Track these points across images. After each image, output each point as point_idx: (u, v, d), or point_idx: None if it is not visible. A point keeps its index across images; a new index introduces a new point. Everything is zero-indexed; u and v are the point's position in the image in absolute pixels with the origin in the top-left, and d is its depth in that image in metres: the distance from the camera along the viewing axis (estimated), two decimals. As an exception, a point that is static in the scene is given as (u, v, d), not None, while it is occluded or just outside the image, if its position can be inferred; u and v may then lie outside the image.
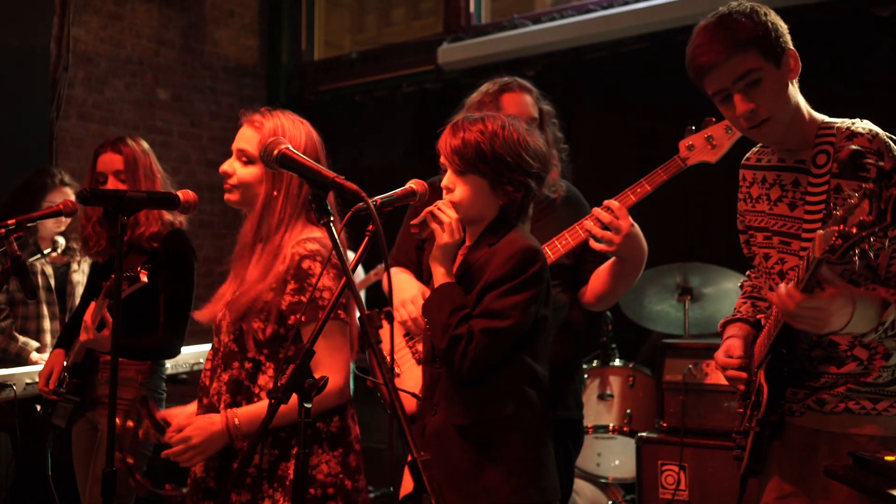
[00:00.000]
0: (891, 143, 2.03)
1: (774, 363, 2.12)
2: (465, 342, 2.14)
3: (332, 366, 2.25)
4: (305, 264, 2.31)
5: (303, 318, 2.28)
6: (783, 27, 2.08)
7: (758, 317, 2.35)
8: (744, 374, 2.21)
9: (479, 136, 2.22)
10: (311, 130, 2.46)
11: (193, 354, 3.83)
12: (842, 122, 2.10)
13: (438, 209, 2.25)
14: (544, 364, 2.29)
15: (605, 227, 2.50)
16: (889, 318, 1.90)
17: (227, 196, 2.47)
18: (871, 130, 2.05)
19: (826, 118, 2.15)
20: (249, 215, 2.42)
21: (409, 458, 1.57)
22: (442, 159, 2.30)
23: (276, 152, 1.85)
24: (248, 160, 2.41)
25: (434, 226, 2.25)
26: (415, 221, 2.30)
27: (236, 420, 2.25)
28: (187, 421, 2.31)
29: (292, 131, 2.41)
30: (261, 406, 2.28)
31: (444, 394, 2.25)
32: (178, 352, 3.24)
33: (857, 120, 2.10)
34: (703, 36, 2.08)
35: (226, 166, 2.45)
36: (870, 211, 1.55)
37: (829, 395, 2.11)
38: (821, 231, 1.71)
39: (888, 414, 2.07)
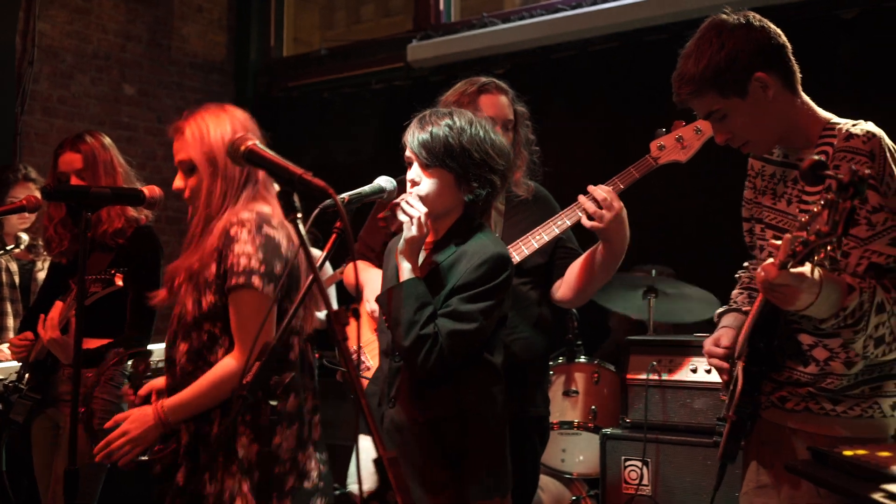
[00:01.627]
0: (889, 146, 2.07)
1: (752, 356, 2.15)
2: (430, 342, 2.15)
3: (242, 339, 2.27)
4: (233, 231, 2.34)
5: (226, 286, 2.31)
6: (753, 45, 2.08)
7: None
8: (725, 364, 2.25)
9: (447, 130, 2.23)
10: (237, 115, 2.47)
11: (160, 352, 3.80)
12: (844, 124, 2.13)
13: (407, 202, 2.26)
14: (500, 356, 2.32)
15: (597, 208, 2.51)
16: (851, 305, 1.93)
17: (190, 207, 2.47)
18: (868, 132, 2.07)
19: (833, 118, 2.17)
20: (196, 209, 2.43)
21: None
22: (408, 152, 2.30)
23: (243, 148, 1.85)
24: (189, 169, 2.42)
25: (403, 219, 2.25)
26: (382, 214, 2.31)
27: (165, 410, 2.31)
28: (123, 416, 2.37)
29: (216, 127, 2.42)
30: (187, 393, 2.33)
31: (405, 388, 2.26)
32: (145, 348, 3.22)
33: (861, 121, 2.12)
34: (678, 68, 2.14)
35: (178, 183, 2.45)
36: (827, 221, 1.60)
37: (790, 394, 2.15)
38: (787, 235, 1.76)
39: (846, 416, 2.10)
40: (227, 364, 2.30)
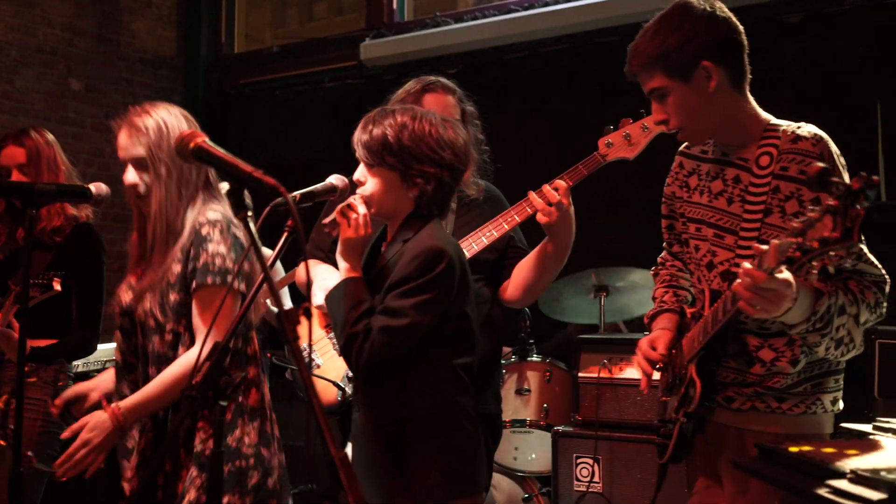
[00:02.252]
0: (833, 148, 2.10)
1: (707, 360, 2.17)
2: (360, 339, 2.14)
3: (213, 336, 2.24)
4: (204, 230, 2.35)
5: (193, 284, 2.33)
6: (707, 35, 2.11)
7: (683, 306, 2.41)
8: (650, 370, 2.27)
9: (386, 129, 2.22)
10: (190, 117, 2.47)
11: (107, 351, 3.74)
12: (787, 125, 2.16)
13: (349, 204, 2.25)
14: (472, 359, 2.30)
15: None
16: (821, 309, 1.95)
17: (143, 208, 2.43)
18: (816, 134, 2.11)
19: (773, 119, 2.20)
20: (150, 211, 2.39)
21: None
22: (356, 154, 2.29)
23: (192, 145, 1.82)
24: (142, 166, 2.39)
25: (341, 220, 2.24)
26: (326, 220, 2.30)
27: (122, 412, 2.30)
28: (79, 425, 2.33)
29: (176, 125, 2.41)
30: (145, 392, 2.33)
31: (361, 392, 2.26)
32: (95, 349, 3.17)
33: (803, 123, 2.16)
34: (636, 39, 2.18)
35: (131, 178, 2.41)
36: (833, 227, 1.55)
37: (736, 394, 2.17)
38: (775, 241, 1.74)
39: (792, 413, 2.14)
40: (189, 359, 2.28)
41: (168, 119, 2.41)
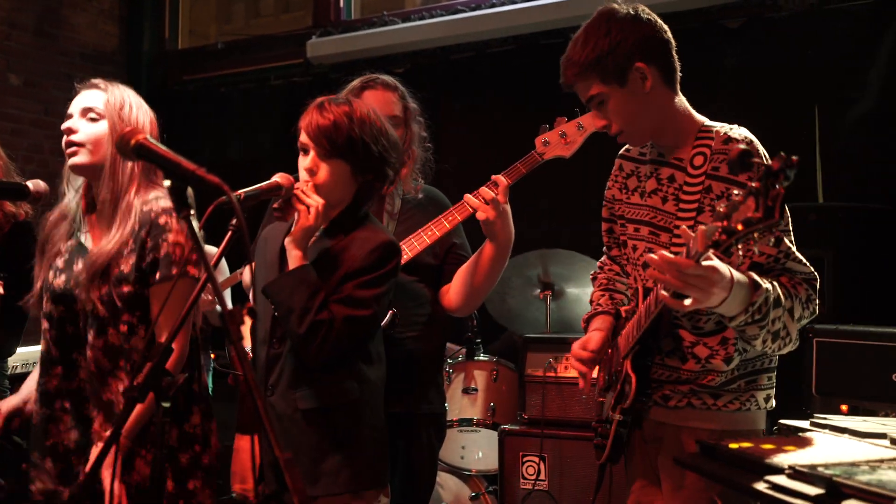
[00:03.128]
0: (762, 150, 2.14)
1: (642, 354, 2.20)
2: (325, 328, 2.13)
3: (184, 329, 2.27)
4: (162, 220, 2.33)
5: (157, 276, 2.31)
6: (637, 36, 2.15)
7: (618, 308, 2.44)
8: (586, 369, 2.30)
9: (348, 121, 2.21)
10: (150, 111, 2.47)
11: (30, 354, 3.66)
12: (720, 127, 2.20)
13: (303, 192, 2.23)
14: (381, 346, 2.33)
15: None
16: (759, 300, 1.97)
17: (73, 161, 2.38)
18: (746, 137, 2.16)
19: (707, 121, 2.24)
20: (100, 181, 2.36)
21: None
22: (304, 139, 2.26)
23: (133, 142, 1.78)
24: (96, 117, 2.36)
25: (299, 207, 2.22)
26: (277, 205, 2.28)
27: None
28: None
29: (141, 106, 2.42)
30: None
31: (288, 376, 2.23)
32: (14, 351, 3.11)
33: (735, 126, 2.21)
34: (567, 51, 2.20)
35: (69, 123, 2.37)
36: (756, 208, 1.59)
37: (672, 392, 2.21)
38: (702, 227, 1.76)
39: (727, 409, 2.18)
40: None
41: (134, 100, 2.43)
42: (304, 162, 2.26)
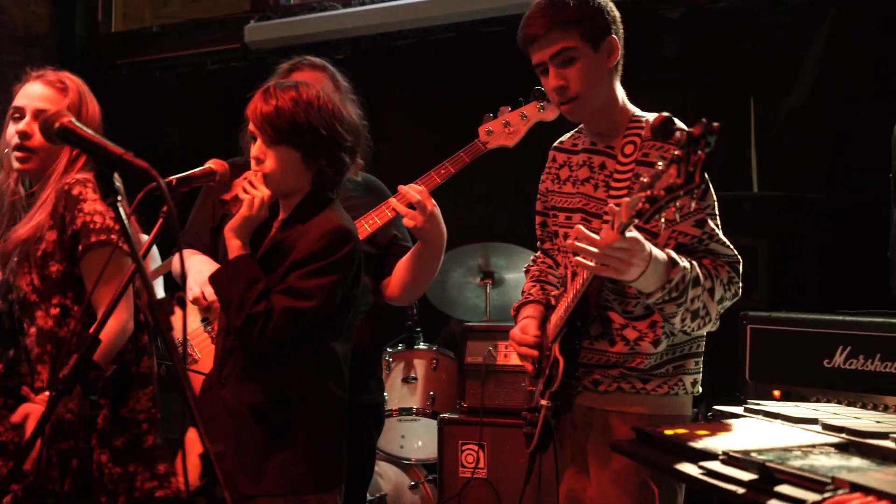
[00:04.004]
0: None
1: (569, 337, 2.20)
2: (263, 320, 2.07)
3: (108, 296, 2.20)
4: (75, 190, 2.28)
5: (80, 248, 2.27)
6: (613, 15, 2.21)
7: (549, 298, 2.45)
8: (535, 352, 2.29)
9: (292, 106, 2.13)
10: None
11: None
12: (650, 116, 2.24)
13: (249, 182, 2.18)
14: (348, 345, 2.26)
15: (411, 206, 2.52)
16: (675, 277, 2.00)
17: (21, 165, 2.31)
18: (678, 124, 2.18)
19: (637, 111, 2.27)
20: (39, 170, 2.32)
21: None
22: (251, 126, 2.20)
23: (57, 125, 1.72)
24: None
25: (241, 197, 2.17)
26: (227, 196, 2.23)
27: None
28: (20, 415, 2.25)
29: (94, 102, 2.36)
30: None
31: (238, 370, 2.18)
32: None
33: (665, 114, 2.23)
34: (535, 9, 2.20)
35: (23, 126, 2.29)
36: (678, 175, 1.62)
37: (602, 376, 2.23)
38: (626, 199, 1.79)
39: (656, 393, 2.22)
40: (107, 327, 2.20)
41: (88, 95, 2.40)
42: (252, 150, 2.21)
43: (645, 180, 1.72)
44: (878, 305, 2.76)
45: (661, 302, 2.04)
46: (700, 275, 2.07)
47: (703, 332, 2.18)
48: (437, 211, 2.54)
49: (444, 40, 5.19)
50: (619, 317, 2.21)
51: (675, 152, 1.63)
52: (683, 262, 2.03)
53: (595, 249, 1.90)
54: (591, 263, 1.94)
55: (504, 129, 2.71)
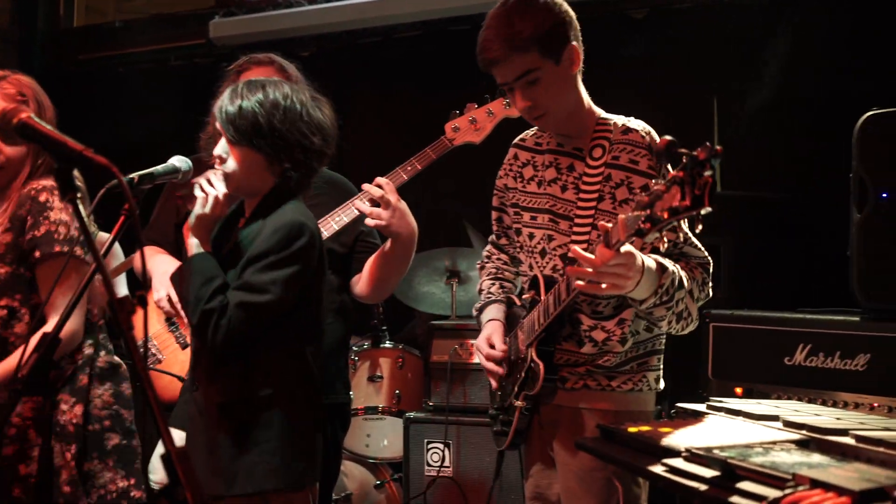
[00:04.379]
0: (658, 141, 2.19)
1: (545, 341, 2.21)
2: (217, 316, 2.05)
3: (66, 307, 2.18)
4: (42, 197, 2.27)
5: (37, 254, 2.25)
6: (569, 20, 2.17)
7: (509, 296, 2.45)
8: (502, 370, 2.29)
9: (257, 107, 2.10)
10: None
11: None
12: (617, 119, 2.24)
13: (207, 180, 2.16)
14: (316, 342, 2.25)
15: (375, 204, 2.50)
16: (666, 282, 2.03)
17: None
18: (645, 127, 2.22)
19: (603, 113, 2.27)
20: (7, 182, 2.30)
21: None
22: (217, 125, 2.18)
23: (15, 121, 1.68)
24: (7, 136, 2.28)
25: (198, 195, 2.15)
26: (181, 192, 2.21)
27: None
28: None
29: (45, 98, 2.32)
30: (7, 363, 2.23)
31: (205, 370, 2.16)
32: None
33: (631, 118, 2.25)
34: (489, 30, 2.14)
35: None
36: (682, 197, 1.60)
37: (569, 374, 2.25)
38: (622, 216, 1.79)
39: (621, 390, 2.24)
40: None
41: (40, 92, 2.37)
42: (217, 148, 2.18)
43: (643, 199, 1.71)
44: (838, 304, 2.80)
45: (653, 306, 2.06)
46: (683, 277, 2.10)
47: (686, 331, 2.21)
48: (404, 205, 2.51)
49: (409, 38, 5.18)
50: (588, 318, 2.22)
51: (678, 174, 1.61)
52: (671, 267, 2.06)
53: (591, 270, 1.90)
54: (598, 284, 1.93)
55: (471, 125, 2.71)
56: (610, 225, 1.85)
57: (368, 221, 2.48)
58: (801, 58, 4.10)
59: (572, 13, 2.20)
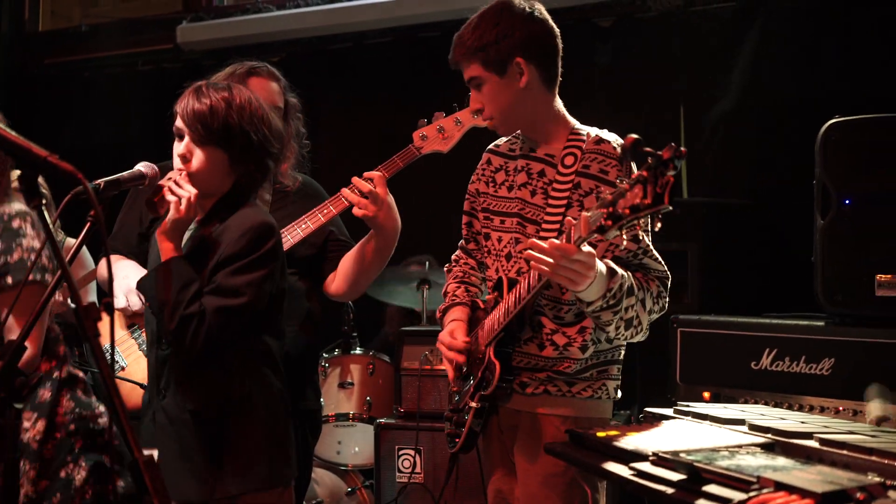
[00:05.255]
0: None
1: (505, 341, 2.23)
2: (196, 322, 2.05)
3: (33, 333, 2.19)
4: (15, 223, 2.26)
5: (9, 280, 2.25)
6: (525, 36, 2.21)
7: (474, 300, 2.47)
8: (462, 358, 2.30)
9: (226, 107, 2.11)
10: None
11: None
12: (590, 130, 2.29)
13: (175, 182, 2.14)
14: (282, 340, 2.25)
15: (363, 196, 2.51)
16: (615, 286, 2.05)
17: None
18: (617, 139, 2.26)
19: (577, 124, 2.32)
20: None
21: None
22: (179, 123, 2.17)
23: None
24: None
25: (169, 198, 2.13)
26: (152, 198, 2.19)
27: None
28: None
29: None
30: None
31: (175, 377, 2.15)
32: None
33: (605, 130, 2.29)
34: (461, 30, 2.27)
35: None
36: (644, 195, 1.65)
37: (530, 379, 2.26)
38: (585, 213, 1.82)
39: (581, 397, 2.26)
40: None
41: None
42: (178, 148, 2.17)
43: (606, 198, 1.75)
44: (803, 308, 2.84)
45: (599, 309, 2.08)
46: (634, 285, 2.12)
47: (635, 340, 2.22)
48: (391, 200, 2.55)
49: (380, 44, 5.18)
50: (551, 322, 2.24)
51: (642, 173, 1.66)
52: (621, 272, 2.08)
53: (550, 259, 1.93)
54: (547, 269, 1.96)
55: (438, 134, 2.72)
56: (574, 222, 1.89)
57: (356, 211, 2.51)
58: (765, 66, 4.16)
59: (538, 29, 2.24)
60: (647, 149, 1.65)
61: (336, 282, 2.71)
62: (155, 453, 2.32)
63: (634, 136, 1.69)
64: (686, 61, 4.37)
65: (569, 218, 1.94)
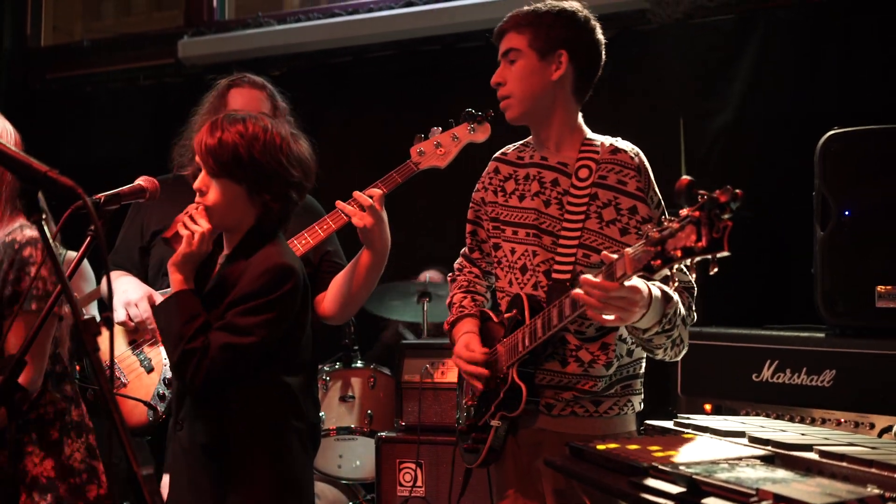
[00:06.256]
0: (646, 161, 2.23)
1: (528, 363, 2.19)
2: (198, 356, 2.04)
3: (35, 357, 2.20)
4: (26, 252, 2.26)
5: (33, 306, 2.27)
6: (579, 33, 2.24)
7: (483, 310, 2.43)
8: (486, 371, 2.25)
9: (237, 139, 2.11)
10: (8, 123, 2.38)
11: None
12: (604, 139, 2.27)
13: (190, 216, 2.15)
14: (302, 375, 2.26)
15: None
16: (671, 311, 2.03)
17: None
18: (634, 148, 2.25)
19: (590, 133, 2.31)
20: None
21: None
22: (197, 158, 2.18)
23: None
24: None
25: (182, 232, 2.14)
26: (168, 234, 2.22)
27: None
28: None
29: (8, 124, 2.31)
30: None
31: (189, 410, 2.16)
32: None
33: (618, 138, 2.29)
34: (514, 11, 2.29)
35: None
36: (698, 238, 1.58)
37: (555, 399, 2.21)
38: (629, 249, 1.78)
39: (608, 415, 2.23)
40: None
41: (7, 125, 2.34)
42: (196, 182, 2.18)
43: (654, 236, 1.69)
44: (804, 320, 2.84)
45: (654, 335, 2.05)
46: (681, 305, 2.10)
47: (678, 358, 2.20)
48: (386, 216, 2.52)
49: (381, 58, 5.20)
50: (574, 338, 2.20)
51: (694, 213, 1.60)
52: (675, 297, 2.06)
53: (595, 301, 1.89)
54: (606, 316, 1.93)
55: (436, 150, 2.72)
56: (615, 256, 1.84)
57: (356, 221, 2.48)
58: (764, 78, 4.17)
59: (590, 40, 2.27)
60: (702, 192, 1.59)
61: (326, 302, 2.68)
62: (166, 478, 2.34)
63: (688, 177, 1.62)
64: (686, 73, 4.38)
65: (606, 253, 1.89)
